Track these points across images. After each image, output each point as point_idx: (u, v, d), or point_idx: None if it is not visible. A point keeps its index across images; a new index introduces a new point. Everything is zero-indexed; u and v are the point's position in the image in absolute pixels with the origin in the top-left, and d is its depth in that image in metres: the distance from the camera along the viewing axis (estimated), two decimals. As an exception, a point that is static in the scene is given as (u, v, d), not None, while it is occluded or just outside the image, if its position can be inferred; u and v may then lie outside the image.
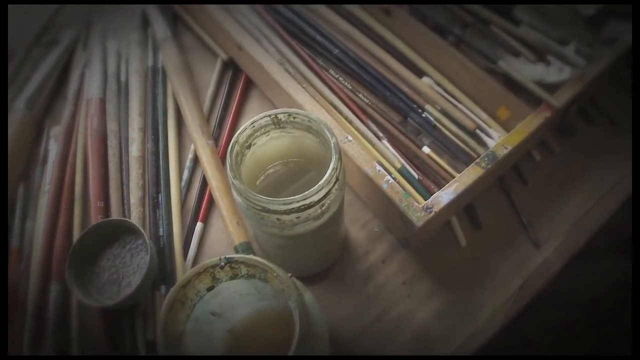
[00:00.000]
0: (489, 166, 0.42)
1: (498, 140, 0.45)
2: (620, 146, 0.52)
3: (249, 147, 0.37)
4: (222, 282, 0.32)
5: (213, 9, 0.52)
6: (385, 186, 0.41)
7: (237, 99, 0.51)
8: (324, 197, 0.33)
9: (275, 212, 0.33)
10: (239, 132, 0.35)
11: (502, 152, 0.42)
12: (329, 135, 0.34)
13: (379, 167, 0.42)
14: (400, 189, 0.41)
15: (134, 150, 0.49)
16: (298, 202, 0.32)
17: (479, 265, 0.45)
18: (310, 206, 0.33)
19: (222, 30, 0.51)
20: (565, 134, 0.51)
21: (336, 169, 0.33)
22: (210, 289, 0.32)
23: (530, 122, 0.44)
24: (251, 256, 0.30)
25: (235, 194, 0.35)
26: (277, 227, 0.35)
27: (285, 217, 0.34)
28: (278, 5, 0.54)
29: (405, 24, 0.51)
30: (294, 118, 0.36)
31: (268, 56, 0.48)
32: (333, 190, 0.34)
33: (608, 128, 0.53)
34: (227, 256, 0.30)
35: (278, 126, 0.37)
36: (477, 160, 0.42)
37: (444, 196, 0.40)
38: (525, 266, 0.45)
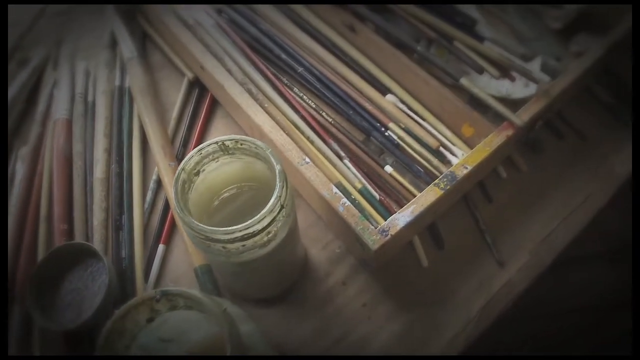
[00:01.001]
0: (448, 187, 0.41)
1: (455, 162, 0.44)
2: (589, 162, 0.50)
3: (197, 173, 0.36)
4: (161, 314, 0.31)
5: (178, 27, 0.52)
6: (341, 209, 0.40)
7: (201, 119, 0.51)
8: (269, 225, 0.33)
9: (218, 241, 0.32)
10: (185, 159, 0.35)
11: (462, 172, 0.41)
12: (274, 162, 0.33)
13: (335, 190, 0.41)
14: (357, 211, 0.40)
15: (98, 171, 0.48)
16: (240, 231, 0.32)
17: (442, 285, 0.44)
18: (254, 234, 0.32)
19: (186, 49, 0.51)
20: (533, 150, 0.50)
21: (280, 196, 0.33)
22: (150, 320, 0.31)
23: (492, 141, 0.43)
24: (185, 289, 0.30)
25: (180, 222, 0.34)
26: (224, 255, 0.34)
27: (230, 246, 0.33)
28: (245, 22, 0.54)
29: (369, 41, 0.50)
30: (241, 145, 0.35)
31: (229, 76, 0.48)
32: (279, 218, 0.33)
33: (577, 143, 0.51)
34: (162, 289, 0.30)
35: (227, 153, 0.36)
36: (436, 181, 0.41)
37: (401, 219, 0.40)
38: (488, 286, 0.44)
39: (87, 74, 0.55)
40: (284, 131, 0.46)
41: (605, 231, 0.85)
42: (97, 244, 0.45)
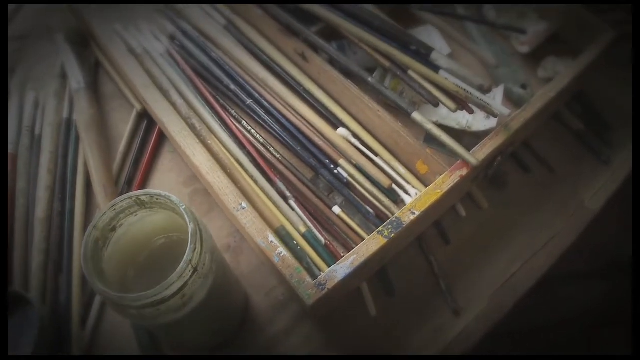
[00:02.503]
0: (393, 235, 0.37)
1: (409, 201, 0.40)
2: (557, 197, 0.46)
3: (113, 229, 0.33)
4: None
5: (123, 57, 0.49)
6: (276, 259, 0.37)
7: (147, 155, 0.48)
8: (182, 289, 0.30)
9: (129, 307, 0.30)
10: (98, 216, 0.32)
11: (409, 219, 0.38)
12: (188, 221, 0.30)
13: (271, 238, 0.38)
14: (293, 262, 0.37)
15: (39, 211, 0.46)
16: (149, 298, 0.29)
17: (393, 335, 0.41)
18: (166, 300, 0.30)
19: (130, 81, 0.48)
20: (495, 185, 0.46)
21: (191, 260, 0.30)
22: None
23: (443, 182, 0.39)
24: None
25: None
26: (139, 318, 0.31)
27: (143, 311, 0.30)
28: (196, 49, 0.50)
29: (321, 70, 0.47)
30: (157, 199, 0.32)
31: (171, 112, 0.45)
32: (194, 280, 0.30)
33: (544, 176, 0.47)
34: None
35: (144, 207, 0.33)
36: (380, 228, 0.38)
37: (339, 271, 0.36)
38: (442, 335, 0.41)
39: (36, 104, 0.52)
40: (226, 170, 0.43)
41: (594, 247, 0.81)
42: (34, 288, 0.43)
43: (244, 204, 0.39)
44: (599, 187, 0.47)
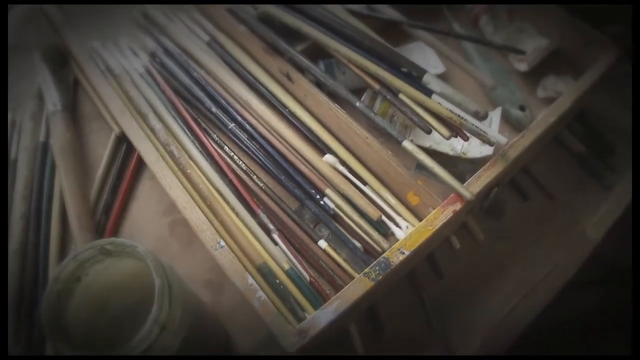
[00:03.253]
0: (380, 277, 0.34)
1: (403, 236, 0.37)
2: (557, 226, 0.44)
3: (78, 279, 0.31)
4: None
5: (101, 79, 0.46)
6: (256, 304, 0.34)
7: (126, 182, 0.45)
8: (149, 347, 0.27)
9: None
10: (60, 267, 0.29)
11: (397, 259, 0.35)
12: (154, 276, 0.28)
13: (251, 281, 0.35)
14: (273, 307, 0.34)
15: (14, 242, 0.43)
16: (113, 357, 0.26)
17: (381, 375, 0.38)
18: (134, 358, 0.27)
19: (106, 105, 0.45)
20: (492, 215, 0.43)
21: (158, 319, 0.27)
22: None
23: (435, 219, 0.37)
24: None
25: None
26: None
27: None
28: (177, 68, 0.47)
29: (307, 93, 0.44)
30: (123, 248, 0.30)
31: (149, 139, 0.42)
32: (163, 336, 0.28)
33: (544, 203, 0.45)
34: None
35: (110, 255, 0.30)
36: (366, 270, 0.35)
37: (323, 317, 0.33)
38: (434, 377, 0.38)
39: (13, 126, 0.50)
40: (205, 202, 0.40)
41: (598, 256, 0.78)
42: (9, 327, 0.40)
43: (222, 242, 0.37)
44: (600, 215, 0.44)
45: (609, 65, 0.45)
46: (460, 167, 0.43)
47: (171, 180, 0.39)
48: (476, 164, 0.43)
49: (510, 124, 0.46)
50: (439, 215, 0.37)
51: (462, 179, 0.43)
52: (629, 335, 0.38)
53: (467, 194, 0.37)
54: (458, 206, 0.37)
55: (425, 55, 0.48)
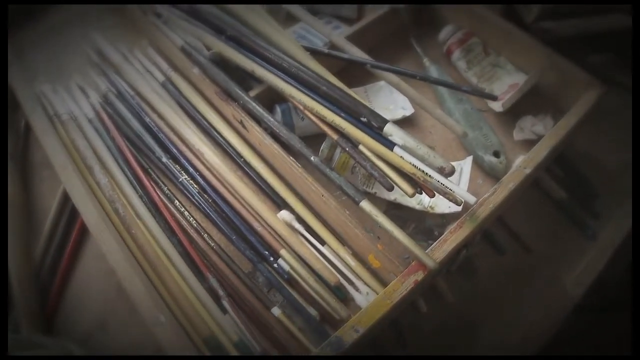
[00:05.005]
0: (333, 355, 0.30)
1: (364, 303, 0.33)
2: (534, 282, 0.39)
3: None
4: None
5: (45, 126, 0.42)
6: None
7: (73, 238, 0.41)
8: None
9: None
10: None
11: (352, 338, 0.31)
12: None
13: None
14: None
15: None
16: None
17: None
18: None
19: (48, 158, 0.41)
20: (462, 273, 0.39)
21: None
22: None
23: (394, 291, 0.32)
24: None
25: None
26: None
27: None
28: (129, 112, 0.43)
29: (261, 143, 0.39)
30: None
31: (89, 198, 0.38)
32: None
33: (521, 257, 0.40)
34: None
35: None
36: (316, 350, 0.31)
37: (267, 406, 0.29)
38: None
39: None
40: (151, 265, 0.36)
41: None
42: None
43: (162, 317, 0.32)
44: (582, 269, 0.40)
45: (592, 105, 0.40)
46: (429, 221, 0.39)
47: (111, 246, 0.35)
48: (446, 217, 0.39)
49: (484, 170, 0.41)
50: (399, 287, 0.32)
51: (430, 235, 0.39)
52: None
53: (430, 263, 0.32)
54: (420, 276, 0.33)
55: (393, 96, 0.44)
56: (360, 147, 0.37)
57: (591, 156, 0.44)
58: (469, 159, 0.39)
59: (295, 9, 0.46)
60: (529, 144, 0.42)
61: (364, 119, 0.36)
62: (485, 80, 0.44)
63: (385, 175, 0.36)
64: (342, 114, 0.37)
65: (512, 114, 0.43)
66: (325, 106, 0.38)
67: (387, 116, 0.39)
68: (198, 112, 0.43)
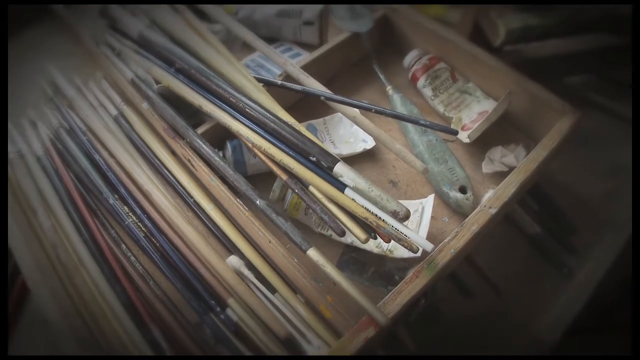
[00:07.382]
0: None
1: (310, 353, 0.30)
2: (506, 327, 0.35)
3: None
4: None
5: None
6: None
7: (17, 289, 0.38)
8: None
9: None
10: None
11: (293, 405, 0.27)
12: None
13: None
14: None
15: None
16: None
17: None
18: None
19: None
20: (426, 318, 0.35)
21: None
22: None
23: (343, 348, 0.29)
24: None
25: None
26: None
27: None
28: (78, 150, 0.40)
29: (209, 184, 0.36)
30: None
31: (31, 243, 0.35)
32: None
33: (490, 300, 0.36)
34: None
35: None
36: (255, 420, 0.27)
37: None
38: None
39: None
40: (91, 315, 0.33)
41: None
42: None
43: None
44: (558, 311, 0.36)
45: (566, 134, 0.36)
46: (389, 264, 0.35)
47: (47, 300, 0.32)
48: (408, 261, 0.35)
49: (449, 206, 0.37)
50: (348, 345, 0.29)
51: (390, 280, 0.35)
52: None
53: (381, 319, 0.29)
54: (371, 332, 0.29)
55: (354, 128, 0.40)
56: (311, 188, 0.33)
57: (567, 186, 0.40)
58: (431, 198, 0.35)
59: (251, 38, 0.42)
60: (499, 176, 0.38)
61: (313, 159, 0.33)
62: (453, 108, 0.40)
63: (336, 219, 0.32)
64: (291, 153, 0.34)
65: (482, 144, 0.39)
66: (274, 144, 0.34)
67: (347, 150, 0.35)
68: (149, 148, 0.39)
